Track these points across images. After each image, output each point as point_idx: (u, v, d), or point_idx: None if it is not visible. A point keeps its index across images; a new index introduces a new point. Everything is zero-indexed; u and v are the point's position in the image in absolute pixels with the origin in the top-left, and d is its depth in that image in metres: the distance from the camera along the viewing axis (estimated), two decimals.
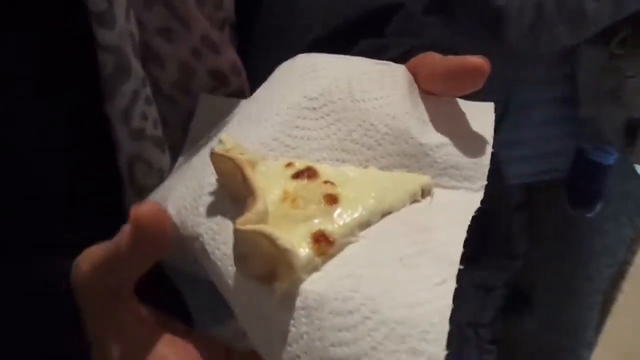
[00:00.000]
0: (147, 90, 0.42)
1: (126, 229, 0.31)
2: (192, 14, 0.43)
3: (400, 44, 0.46)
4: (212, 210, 0.36)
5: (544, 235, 1.41)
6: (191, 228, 0.36)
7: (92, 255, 0.33)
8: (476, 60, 0.35)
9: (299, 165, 0.37)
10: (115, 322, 0.33)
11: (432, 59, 0.39)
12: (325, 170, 0.37)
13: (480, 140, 0.38)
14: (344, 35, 0.49)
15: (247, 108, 0.41)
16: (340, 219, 0.34)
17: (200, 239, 0.35)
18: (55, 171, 0.39)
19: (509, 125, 1.17)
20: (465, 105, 0.40)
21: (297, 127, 0.39)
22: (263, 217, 0.32)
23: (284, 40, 0.49)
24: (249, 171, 0.35)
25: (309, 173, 0.37)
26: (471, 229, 0.54)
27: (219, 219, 0.36)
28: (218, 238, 0.35)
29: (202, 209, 0.36)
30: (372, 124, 0.38)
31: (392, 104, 0.38)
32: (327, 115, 0.38)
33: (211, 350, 0.35)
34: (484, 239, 0.57)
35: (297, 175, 0.36)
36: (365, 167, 0.38)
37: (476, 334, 1.69)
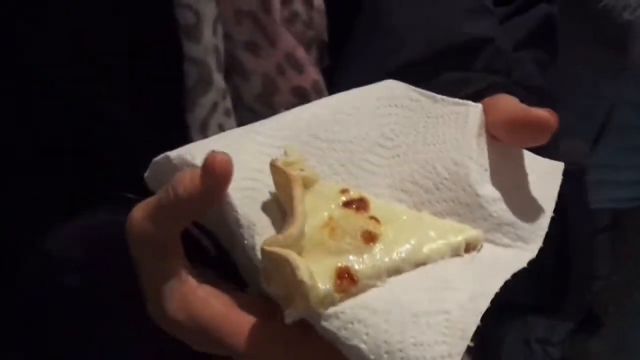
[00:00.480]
0: (227, 103, 0.44)
1: (184, 176, 0.33)
2: (278, 31, 0.45)
3: (482, 79, 0.44)
4: (260, 202, 0.37)
5: (624, 259, 1.36)
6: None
7: (145, 204, 0.35)
8: (542, 114, 0.34)
9: (353, 193, 0.37)
10: (164, 272, 0.35)
11: (503, 102, 0.37)
12: (376, 204, 0.37)
13: (542, 200, 0.36)
14: (431, 62, 0.48)
15: (321, 121, 0.41)
16: (371, 260, 0.33)
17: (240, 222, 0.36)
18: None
19: (605, 149, 1.13)
20: (534, 160, 0.38)
21: (366, 160, 0.40)
22: (293, 242, 0.33)
23: (371, 59, 0.48)
24: (297, 192, 0.36)
25: (359, 204, 0.37)
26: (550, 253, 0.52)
27: (261, 213, 0.37)
28: (254, 228, 0.36)
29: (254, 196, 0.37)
30: (434, 167, 0.38)
31: (457, 148, 0.38)
32: (398, 155, 0.40)
33: (259, 308, 0.35)
34: (565, 263, 0.54)
35: (347, 204, 0.37)
36: (419, 209, 0.37)
37: (544, 352, 1.67)
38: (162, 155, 0.37)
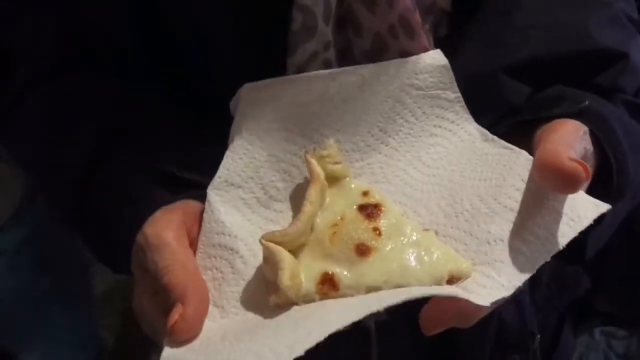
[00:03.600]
0: (329, 54, 0.45)
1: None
2: None
3: (578, 99, 0.41)
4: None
5: None
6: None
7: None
8: (573, 166, 0.33)
9: (372, 199, 0.40)
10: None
11: (550, 146, 0.35)
12: (390, 214, 0.39)
13: (548, 245, 0.35)
14: (551, 65, 0.45)
15: (373, 121, 0.43)
16: (356, 274, 0.37)
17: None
18: None
19: None
20: (575, 200, 0.36)
21: (405, 171, 0.42)
22: (290, 240, 0.37)
23: (491, 46, 0.46)
24: (312, 190, 0.39)
25: (372, 210, 0.39)
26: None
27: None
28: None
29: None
30: (461, 199, 0.39)
31: (488, 187, 0.39)
32: (434, 176, 0.42)
33: None
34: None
35: (362, 208, 0.39)
36: (429, 229, 0.39)
37: (607, 345, 1.52)
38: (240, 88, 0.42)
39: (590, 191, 0.37)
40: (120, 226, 0.42)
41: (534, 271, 0.35)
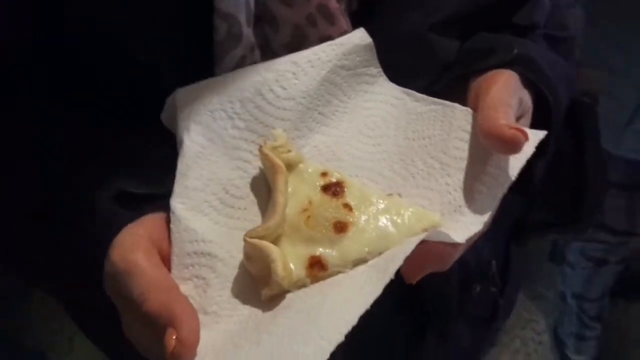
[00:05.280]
0: (255, 56, 0.45)
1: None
2: None
3: (507, 49, 0.45)
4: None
5: None
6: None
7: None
8: (512, 134, 0.37)
9: (332, 177, 0.41)
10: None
11: (489, 103, 0.39)
12: (352, 188, 0.41)
13: (501, 179, 0.39)
14: (474, 17, 0.48)
15: (312, 106, 0.45)
16: (340, 250, 0.38)
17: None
18: None
19: None
20: None
21: (350, 145, 0.44)
22: (272, 233, 0.38)
23: (406, 16, 0.48)
24: (280, 181, 0.40)
25: (336, 189, 0.41)
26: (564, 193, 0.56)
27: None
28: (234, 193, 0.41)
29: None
30: (412, 160, 0.43)
31: (435, 144, 0.42)
32: (379, 144, 0.44)
33: None
34: (576, 206, 0.59)
35: (325, 188, 0.41)
36: (392, 194, 0.41)
37: (579, 308, 1.66)
38: (170, 97, 0.42)
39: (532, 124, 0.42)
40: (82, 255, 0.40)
41: (496, 205, 0.39)
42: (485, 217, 0.38)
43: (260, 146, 0.41)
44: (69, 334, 1.70)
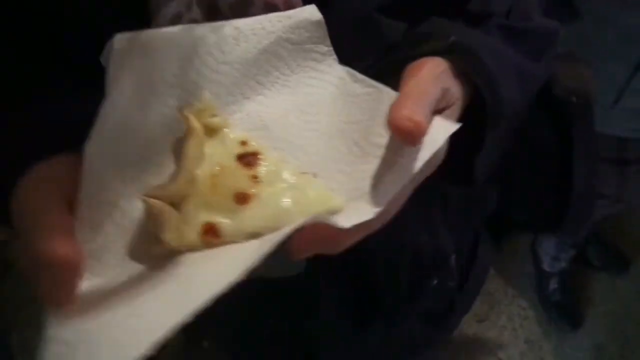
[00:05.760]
0: (194, 14, 0.44)
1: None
2: None
3: (444, 37, 0.42)
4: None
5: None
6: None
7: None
8: (407, 127, 0.35)
9: (250, 147, 0.41)
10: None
11: (405, 90, 0.38)
12: (268, 160, 0.40)
13: (408, 168, 0.38)
14: (421, 2, 0.46)
15: (249, 74, 0.44)
16: (237, 221, 0.38)
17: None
18: None
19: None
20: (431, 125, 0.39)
21: (283, 118, 0.44)
22: (171, 194, 0.38)
23: None
24: (190, 145, 0.40)
25: (250, 159, 0.40)
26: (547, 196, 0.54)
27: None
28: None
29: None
30: (338, 142, 0.42)
31: (361, 129, 0.41)
32: (311, 122, 0.43)
33: None
34: (560, 211, 0.56)
35: (240, 157, 0.41)
36: (307, 173, 0.40)
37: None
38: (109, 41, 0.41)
39: (470, 118, 0.40)
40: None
41: (394, 194, 0.37)
42: (380, 207, 0.37)
43: (181, 107, 0.41)
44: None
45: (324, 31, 0.45)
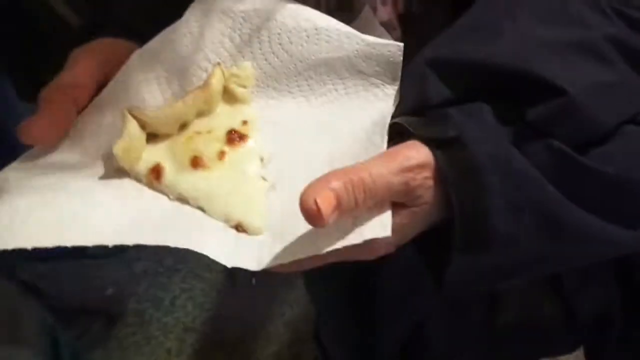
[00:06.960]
0: None
1: None
2: None
3: (445, 129, 0.36)
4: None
5: None
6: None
7: None
8: (309, 208, 0.32)
9: (246, 129, 0.41)
10: None
11: (355, 166, 0.34)
12: (249, 149, 0.40)
13: (323, 243, 0.34)
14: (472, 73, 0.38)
15: (305, 74, 0.43)
16: (178, 178, 0.39)
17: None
18: None
19: None
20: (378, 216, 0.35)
21: (301, 124, 0.42)
22: (147, 121, 0.40)
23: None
24: (195, 94, 0.41)
25: (234, 138, 0.41)
26: None
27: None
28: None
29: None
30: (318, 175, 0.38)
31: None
32: (319, 146, 0.41)
33: None
34: None
35: (230, 132, 0.41)
36: (268, 180, 0.39)
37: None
38: None
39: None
40: None
41: (292, 259, 0.34)
42: (267, 263, 0.35)
43: (218, 63, 0.42)
44: None
45: (397, 74, 0.41)
